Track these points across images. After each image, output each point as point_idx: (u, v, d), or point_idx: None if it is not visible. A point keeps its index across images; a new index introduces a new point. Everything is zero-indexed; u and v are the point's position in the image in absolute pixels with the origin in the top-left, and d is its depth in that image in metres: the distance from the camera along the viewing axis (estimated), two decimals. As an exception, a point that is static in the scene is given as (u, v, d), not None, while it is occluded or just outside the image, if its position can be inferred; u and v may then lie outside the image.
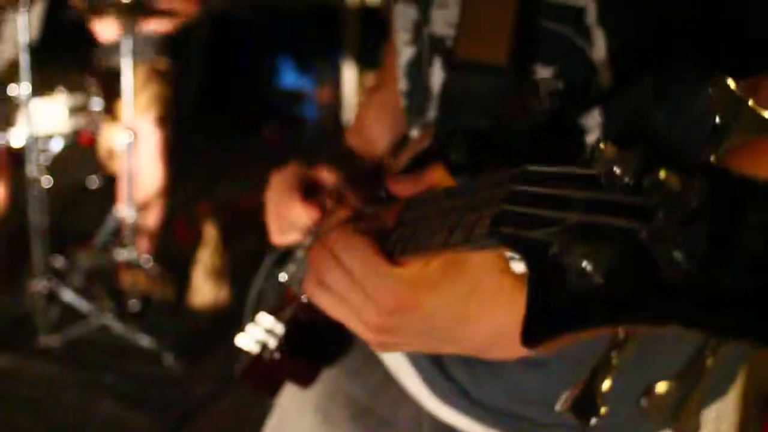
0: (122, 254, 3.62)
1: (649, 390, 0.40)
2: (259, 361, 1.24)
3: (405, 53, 1.22)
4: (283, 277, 1.31)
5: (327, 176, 1.26)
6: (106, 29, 3.74)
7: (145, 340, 3.38)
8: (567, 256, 0.45)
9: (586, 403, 0.44)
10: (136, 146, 3.61)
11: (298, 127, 6.04)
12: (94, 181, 3.93)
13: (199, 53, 5.31)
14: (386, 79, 1.42)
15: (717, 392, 1.17)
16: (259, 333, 1.25)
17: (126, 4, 3.41)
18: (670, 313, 0.38)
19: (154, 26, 3.78)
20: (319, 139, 5.95)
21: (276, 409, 1.39)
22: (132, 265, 3.62)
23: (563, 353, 1.04)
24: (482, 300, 0.80)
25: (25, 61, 3.24)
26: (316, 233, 1.22)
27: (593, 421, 0.43)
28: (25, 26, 3.22)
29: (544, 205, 0.51)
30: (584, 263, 0.44)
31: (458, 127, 1.03)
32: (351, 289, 0.81)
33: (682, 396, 0.39)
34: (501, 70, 1.02)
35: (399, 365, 1.26)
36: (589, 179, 0.47)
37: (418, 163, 1.00)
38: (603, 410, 0.44)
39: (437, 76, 1.15)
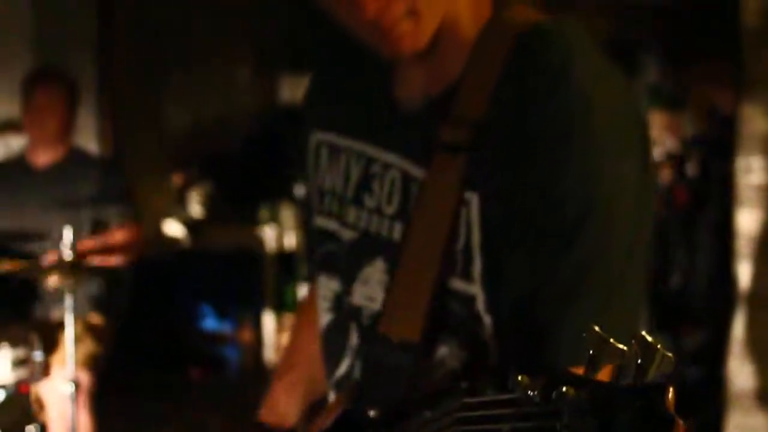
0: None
1: None
2: None
3: (325, 318, 1.42)
4: None
5: None
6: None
7: None
8: None
9: None
10: (75, 396, 3.73)
11: (221, 368, 6.21)
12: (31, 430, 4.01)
13: (123, 298, 5.48)
14: (295, 358, 1.62)
15: None
16: None
17: (68, 262, 3.63)
18: None
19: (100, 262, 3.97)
20: (242, 378, 6.15)
21: None
22: None
23: None
24: None
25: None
26: None
27: None
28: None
29: (484, 423, 0.73)
30: None
31: (371, 399, 1.21)
32: None
33: None
34: (413, 347, 1.20)
35: None
36: (512, 401, 0.70)
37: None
38: None
39: (353, 339, 1.35)
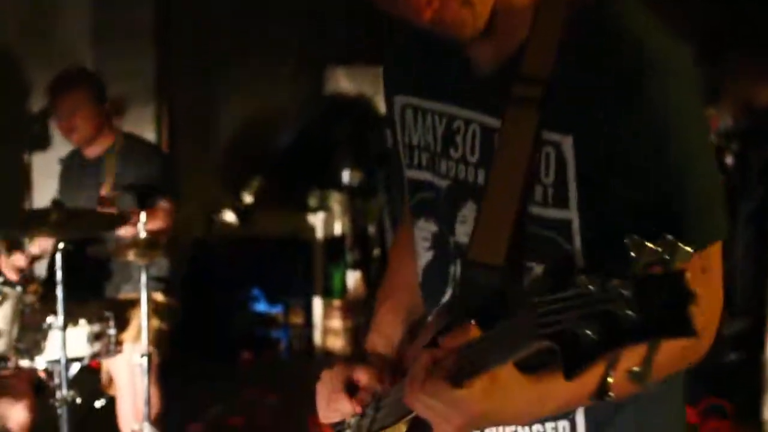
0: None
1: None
2: None
3: (425, 257, 1.62)
4: None
5: (363, 377, 1.61)
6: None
7: None
8: (577, 331, 0.98)
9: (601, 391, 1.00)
10: (148, 370, 3.95)
11: (272, 349, 6.42)
12: (100, 403, 4.22)
13: (177, 283, 5.70)
14: (395, 284, 1.79)
15: None
16: None
17: (143, 239, 3.85)
18: (628, 340, 0.95)
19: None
20: (293, 359, 6.42)
21: None
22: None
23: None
24: (510, 393, 1.28)
25: (60, 294, 3.64)
26: (357, 421, 1.61)
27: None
28: (60, 265, 3.65)
29: (558, 315, 1.01)
30: (587, 332, 0.96)
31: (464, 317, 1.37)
32: (439, 411, 1.29)
33: (647, 366, 0.97)
34: (499, 269, 1.39)
35: None
36: (579, 295, 0.99)
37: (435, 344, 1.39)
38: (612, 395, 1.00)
39: (455, 272, 1.54)
